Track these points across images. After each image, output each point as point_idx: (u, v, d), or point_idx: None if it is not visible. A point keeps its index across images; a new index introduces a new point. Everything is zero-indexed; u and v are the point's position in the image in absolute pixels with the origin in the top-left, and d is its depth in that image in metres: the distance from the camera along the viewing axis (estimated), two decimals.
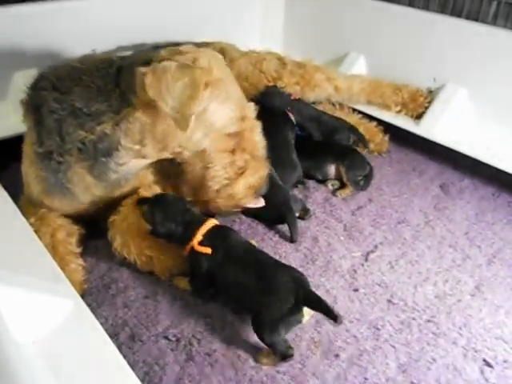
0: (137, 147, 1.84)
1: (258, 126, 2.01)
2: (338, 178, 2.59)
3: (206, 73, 1.73)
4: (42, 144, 1.94)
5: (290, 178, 2.46)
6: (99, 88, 1.82)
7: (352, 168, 2.54)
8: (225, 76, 1.87)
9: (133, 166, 1.94)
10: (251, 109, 2.00)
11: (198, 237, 1.80)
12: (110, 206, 2.04)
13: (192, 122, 1.71)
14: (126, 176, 1.97)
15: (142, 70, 1.64)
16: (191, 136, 1.83)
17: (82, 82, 1.85)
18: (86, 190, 1.99)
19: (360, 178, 2.56)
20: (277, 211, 2.24)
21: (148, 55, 1.80)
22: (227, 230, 1.90)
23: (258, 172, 2.02)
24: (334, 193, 2.55)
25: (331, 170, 2.60)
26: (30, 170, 2.03)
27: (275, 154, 2.28)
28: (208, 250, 1.77)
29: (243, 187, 1.98)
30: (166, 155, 1.91)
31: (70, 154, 1.89)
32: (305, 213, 2.35)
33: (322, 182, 2.63)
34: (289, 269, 1.75)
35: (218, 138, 1.87)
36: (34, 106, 1.96)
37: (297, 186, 2.56)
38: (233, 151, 1.94)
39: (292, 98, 2.83)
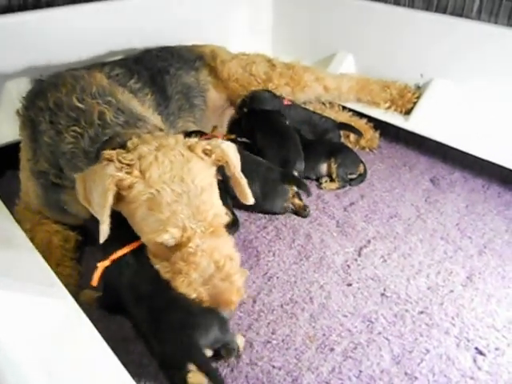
0: None
1: (214, 246, 1.67)
2: (329, 174, 2.63)
3: (132, 176, 1.61)
4: (37, 162, 1.97)
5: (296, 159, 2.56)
6: (84, 150, 1.84)
7: (343, 165, 2.57)
8: (166, 182, 1.62)
9: None
10: (215, 222, 1.69)
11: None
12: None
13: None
14: None
15: (76, 176, 1.71)
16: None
17: (73, 130, 1.86)
18: (82, 210, 1.96)
19: (350, 176, 2.60)
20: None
21: (134, 134, 1.78)
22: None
23: (190, 294, 1.63)
24: (320, 185, 2.61)
25: (323, 168, 2.64)
26: (27, 183, 2.07)
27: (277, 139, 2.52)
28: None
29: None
30: None
31: (65, 178, 1.92)
32: (302, 208, 2.40)
33: (316, 180, 2.67)
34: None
35: (150, 242, 1.69)
36: (30, 121, 1.99)
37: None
38: (164, 258, 1.70)
39: (285, 103, 2.87)
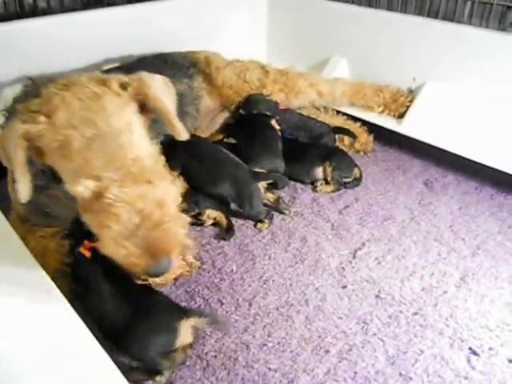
0: None
1: (137, 194, 1.51)
2: (325, 177, 2.65)
3: (38, 123, 1.50)
4: None
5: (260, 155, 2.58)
6: None
7: (338, 168, 2.59)
8: (75, 126, 1.48)
9: None
10: (136, 166, 1.53)
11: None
12: None
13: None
14: None
15: None
16: None
17: None
18: (64, 211, 1.96)
19: (345, 179, 2.62)
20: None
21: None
22: None
23: (117, 249, 1.52)
24: (315, 188, 2.63)
25: (318, 171, 2.66)
26: (11, 191, 2.06)
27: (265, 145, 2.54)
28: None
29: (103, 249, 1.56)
30: None
31: (40, 176, 1.84)
32: (277, 201, 2.45)
33: (311, 183, 2.70)
34: None
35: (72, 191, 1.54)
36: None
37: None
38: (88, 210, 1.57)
39: (281, 108, 2.89)
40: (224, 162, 2.43)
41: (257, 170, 2.47)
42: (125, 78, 1.60)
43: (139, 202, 1.48)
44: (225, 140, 2.76)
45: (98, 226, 1.51)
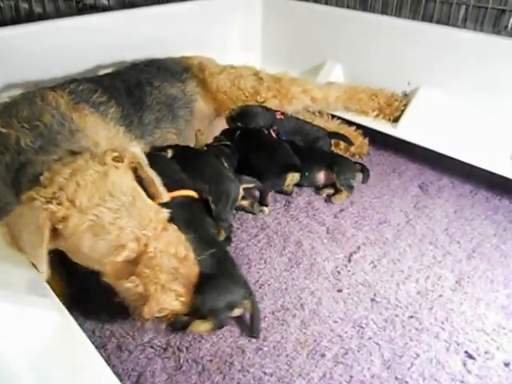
0: None
1: (166, 241, 1.71)
2: (329, 183, 2.64)
3: (63, 207, 1.58)
4: None
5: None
6: (2, 177, 1.84)
7: (342, 172, 2.59)
8: (100, 204, 1.61)
9: None
10: (159, 217, 1.74)
11: None
12: None
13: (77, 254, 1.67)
14: None
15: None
16: (84, 264, 1.73)
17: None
18: None
19: (352, 181, 2.61)
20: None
21: (45, 163, 1.74)
22: None
23: (168, 295, 1.67)
24: (329, 199, 2.58)
25: (319, 177, 2.65)
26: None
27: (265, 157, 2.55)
28: None
29: (149, 313, 1.67)
30: None
31: (1, 195, 1.93)
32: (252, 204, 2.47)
33: (317, 189, 2.69)
34: None
35: (106, 266, 1.67)
36: None
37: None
38: (129, 276, 1.67)
39: (277, 117, 2.88)
40: (212, 164, 2.46)
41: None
42: (115, 153, 1.74)
43: (171, 247, 1.69)
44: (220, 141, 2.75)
45: (143, 283, 1.65)
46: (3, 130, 1.89)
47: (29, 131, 1.87)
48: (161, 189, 1.85)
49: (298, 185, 2.68)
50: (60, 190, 1.59)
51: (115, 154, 1.74)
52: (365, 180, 2.65)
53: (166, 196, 1.86)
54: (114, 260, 1.62)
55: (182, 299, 1.68)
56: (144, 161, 1.84)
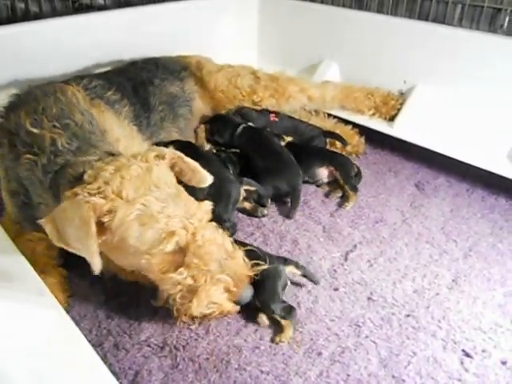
0: None
1: (211, 232, 1.73)
2: (331, 180, 2.67)
3: (108, 200, 1.58)
4: (9, 182, 1.97)
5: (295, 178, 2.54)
6: (39, 179, 1.81)
7: (344, 170, 2.61)
8: (147, 193, 1.62)
9: None
10: (203, 211, 1.75)
11: None
12: None
13: (115, 251, 1.68)
14: None
15: (42, 221, 1.60)
16: (126, 263, 1.75)
17: (27, 158, 1.82)
18: None
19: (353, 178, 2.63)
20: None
21: (85, 163, 1.73)
22: None
23: (218, 286, 1.68)
24: (341, 206, 2.54)
25: (320, 173, 2.66)
26: (5, 199, 2.07)
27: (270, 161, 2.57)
28: None
29: (198, 307, 1.66)
30: None
31: (32, 198, 1.90)
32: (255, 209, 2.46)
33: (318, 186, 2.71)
34: None
35: (153, 258, 1.65)
36: (1, 138, 1.97)
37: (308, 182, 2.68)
38: (176, 269, 1.67)
39: (271, 119, 2.89)
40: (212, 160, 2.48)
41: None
42: (155, 152, 1.76)
43: (217, 238, 1.72)
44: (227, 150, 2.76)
45: (191, 274, 1.65)
46: (35, 131, 1.85)
47: (62, 131, 1.84)
48: (204, 173, 1.84)
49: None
50: (105, 185, 1.59)
51: (155, 152, 1.76)
52: (356, 182, 2.64)
53: (211, 178, 1.85)
54: (164, 249, 1.61)
55: (232, 292, 1.69)
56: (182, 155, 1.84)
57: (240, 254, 1.78)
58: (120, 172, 1.62)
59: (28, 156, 1.81)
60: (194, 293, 1.64)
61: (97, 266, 1.57)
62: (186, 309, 1.68)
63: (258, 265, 1.84)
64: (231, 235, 2.21)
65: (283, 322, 1.81)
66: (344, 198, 2.57)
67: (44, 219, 1.60)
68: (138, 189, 1.61)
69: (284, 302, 1.86)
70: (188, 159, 1.83)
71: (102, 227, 1.58)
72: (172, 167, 1.80)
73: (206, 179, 1.84)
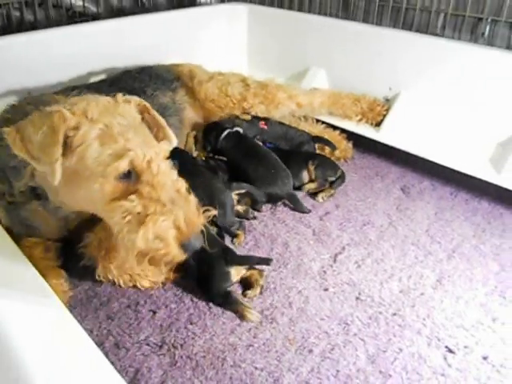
0: (57, 200, 1.85)
1: (166, 167, 1.72)
2: (310, 179, 2.74)
3: (75, 116, 1.63)
4: None
5: (286, 184, 2.61)
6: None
7: (321, 166, 2.71)
8: (110, 118, 1.67)
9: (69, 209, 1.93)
10: (161, 148, 1.75)
11: None
12: (82, 226, 2.09)
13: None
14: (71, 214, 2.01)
15: (6, 129, 1.61)
16: (79, 196, 1.73)
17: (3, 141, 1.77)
18: (46, 224, 2.04)
19: (330, 178, 2.71)
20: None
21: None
22: None
23: (167, 218, 1.62)
24: (313, 197, 2.68)
25: (305, 175, 2.75)
26: None
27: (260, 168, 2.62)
28: None
29: (144, 239, 1.61)
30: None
31: (16, 195, 1.92)
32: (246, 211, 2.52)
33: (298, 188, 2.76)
34: None
35: (107, 182, 1.63)
36: None
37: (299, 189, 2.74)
38: (126, 197, 1.63)
39: (261, 127, 2.96)
40: (199, 171, 2.51)
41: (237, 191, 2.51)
42: (126, 97, 1.83)
43: (173, 174, 1.72)
44: (215, 156, 2.82)
45: (142, 203, 1.62)
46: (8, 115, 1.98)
47: None
48: (170, 132, 1.88)
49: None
50: (73, 105, 1.67)
51: (125, 97, 1.82)
52: (337, 185, 2.74)
53: (175, 139, 1.88)
54: (118, 167, 1.60)
55: (181, 231, 1.63)
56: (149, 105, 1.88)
57: (194, 199, 1.73)
58: (89, 99, 1.72)
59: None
60: (142, 222, 1.60)
61: (57, 175, 1.59)
62: (131, 243, 1.62)
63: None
64: (244, 233, 2.36)
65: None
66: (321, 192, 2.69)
67: (9, 128, 1.62)
68: (102, 112, 1.67)
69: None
70: (155, 112, 1.89)
71: (64, 148, 1.60)
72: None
73: (171, 139, 1.87)
